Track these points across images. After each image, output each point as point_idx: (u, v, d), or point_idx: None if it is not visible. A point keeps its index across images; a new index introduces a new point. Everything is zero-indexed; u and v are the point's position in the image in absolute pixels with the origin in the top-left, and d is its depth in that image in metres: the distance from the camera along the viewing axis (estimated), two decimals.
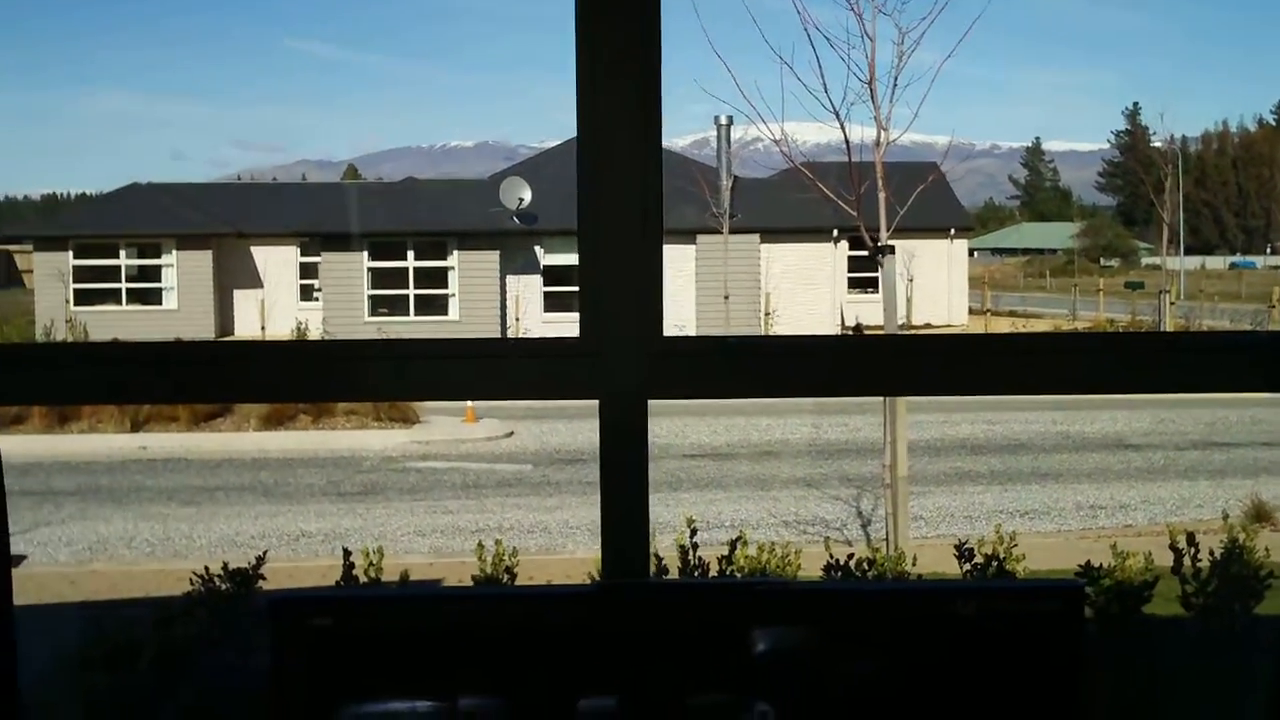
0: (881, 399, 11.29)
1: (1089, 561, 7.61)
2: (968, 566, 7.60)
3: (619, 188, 2.26)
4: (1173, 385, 2.43)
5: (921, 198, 14.79)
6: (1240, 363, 2.38)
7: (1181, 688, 7.08)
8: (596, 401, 2.27)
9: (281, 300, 32.79)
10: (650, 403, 2.29)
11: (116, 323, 30.72)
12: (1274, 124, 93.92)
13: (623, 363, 2.25)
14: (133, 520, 13.64)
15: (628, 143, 2.25)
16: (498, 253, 31.95)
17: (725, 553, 7.70)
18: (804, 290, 32.44)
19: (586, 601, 1.96)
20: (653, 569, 7.45)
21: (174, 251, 33.56)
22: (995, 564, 7.75)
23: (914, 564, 8.57)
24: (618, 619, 1.94)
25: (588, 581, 2.09)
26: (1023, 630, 1.93)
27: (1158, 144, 49.57)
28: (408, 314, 32.09)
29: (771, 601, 1.95)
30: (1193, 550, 7.65)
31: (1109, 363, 2.40)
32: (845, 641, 1.95)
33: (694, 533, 7.57)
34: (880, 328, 12.42)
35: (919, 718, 1.94)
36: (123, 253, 33.72)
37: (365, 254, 32.15)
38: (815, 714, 1.94)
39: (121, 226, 33.48)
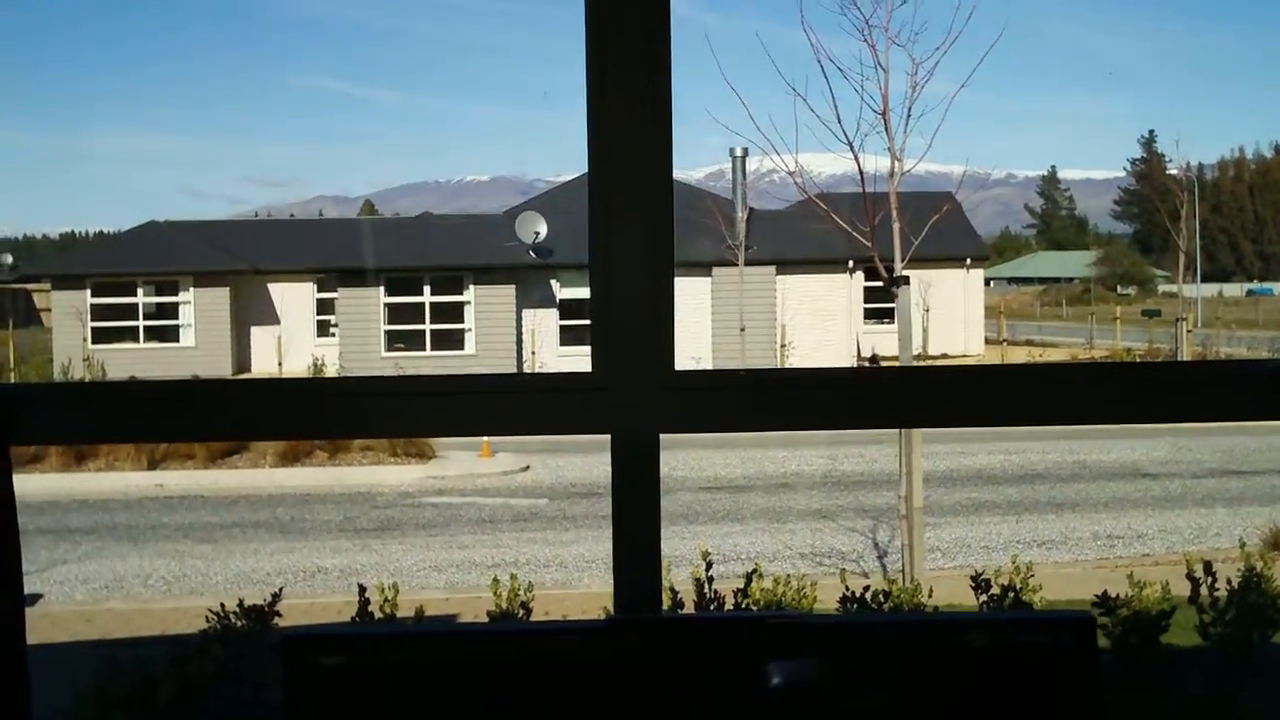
0: (897, 430, 11.27)
1: (1106, 591, 7.58)
2: (984, 597, 7.58)
3: (630, 222, 2.26)
4: (1190, 415, 2.43)
5: (936, 227, 14.81)
6: (1256, 391, 2.38)
7: (1196, 718, 7.05)
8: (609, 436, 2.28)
9: (298, 336, 32.84)
10: (665, 436, 2.30)
11: (134, 360, 30.81)
12: None
13: (634, 398, 2.25)
14: (149, 558, 13.66)
15: (638, 176, 2.26)
16: (514, 287, 31.99)
17: (741, 585, 7.68)
18: (820, 321, 32.42)
19: (598, 637, 1.96)
20: (668, 602, 7.45)
21: (191, 289, 33.66)
22: (1012, 595, 7.72)
23: (930, 595, 8.54)
24: (629, 654, 1.94)
25: (602, 616, 2.10)
26: (1035, 662, 1.92)
27: (1173, 171, 49.62)
28: (424, 349, 32.12)
29: (782, 635, 1.95)
30: (1210, 579, 7.62)
31: (1124, 393, 2.40)
32: (857, 675, 1.94)
33: (709, 565, 7.56)
34: (896, 358, 12.41)
35: None
36: (140, 290, 33.82)
37: (381, 289, 32.21)
38: None
39: (139, 265, 33.59)
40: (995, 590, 7.69)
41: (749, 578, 7.73)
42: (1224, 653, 7.48)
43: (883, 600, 7.50)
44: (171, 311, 33.94)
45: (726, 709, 1.94)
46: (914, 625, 2.16)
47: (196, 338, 33.54)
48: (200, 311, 33.63)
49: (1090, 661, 1.94)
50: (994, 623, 2.05)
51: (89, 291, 33.28)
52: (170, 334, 33.83)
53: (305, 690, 1.87)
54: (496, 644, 2.00)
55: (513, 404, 2.33)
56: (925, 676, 1.94)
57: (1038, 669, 1.93)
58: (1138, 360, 29.01)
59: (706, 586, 7.51)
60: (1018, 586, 7.89)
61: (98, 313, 33.26)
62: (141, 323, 33.81)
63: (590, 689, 1.93)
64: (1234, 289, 71.63)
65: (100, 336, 32.81)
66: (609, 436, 2.28)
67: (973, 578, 7.68)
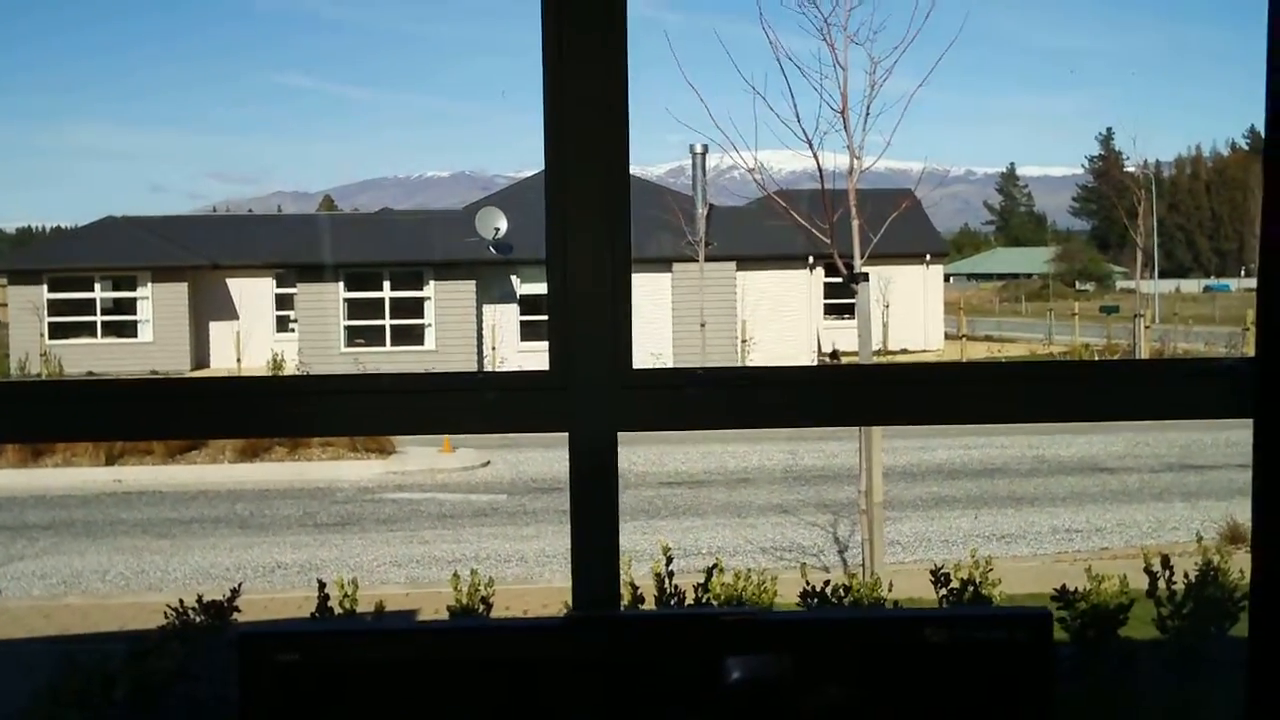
0: (858, 425, 11.31)
1: (1064, 585, 7.63)
2: (944, 591, 7.61)
3: (588, 219, 2.26)
4: (1149, 413, 2.45)
5: (896, 224, 14.84)
6: (1214, 389, 2.39)
7: (1154, 710, 7.10)
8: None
9: (257, 332, 32.70)
10: (623, 432, 2.30)
11: (92, 356, 30.65)
12: (1246, 148, 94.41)
13: (591, 396, 2.25)
14: (107, 553, 13.59)
15: (595, 174, 2.26)
16: (474, 283, 31.94)
17: (701, 580, 7.70)
18: (780, 317, 32.48)
19: (556, 634, 1.96)
20: (628, 597, 7.46)
21: (149, 284, 33.49)
22: (971, 589, 7.76)
23: (890, 590, 8.57)
24: (587, 651, 1.94)
25: (562, 612, 2.10)
26: (992, 657, 1.93)
27: (1131, 169, 49.82)
28: (384, 344, 32.04)
29: (740, 632, 1.95)
30: (1167, 573, 7.67)
31: (1082, 391, 2.42)
32: (815, 671, 1.95)
33: (670, 561, 7.57)
34: (856, 354, 12.44)
35: None
36: (98, 286, 33.63)
37: (341, 285, 32.11)
38: None
39: (96, 260, 33.40)
40: (955, 584, 7.73)
41: (709, 572, 7.75)
42: (1181, 645, 7.53)
43: (843, 595, 7.53)
44: (129, 307, 33.76)
45: (685, 706, 1.94)
46: (872, 622, 2.17)
47: (155, 333, 33.37)
48: (158, 307, 33.46)
49: (1046, 657, 1.95)
50: (952, 619, 2.05)
51: (45, 286, 33.07)
52: (128, 329, 33.65)
53: (262, 687, 1.87)
54: (454, 641, 1.99)
55: (470, 403, 2.32)
56: (883, 672, 1.94)
57: (995, 664, 1.93)
58: (1096, 356, 29.17)
59: (667, 581, 7.52)
60: (977, 580, 7.93)
61: (55, 308, 33.05)
62: (99, 318, 33.62)
63: (549, 686, 1.93)
64: (1191, 285, 72.10)
65: (57, 332, 32.61)
66: (567, 435, 2.28)
67: (932, 572, 7.72)
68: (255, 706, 1.87)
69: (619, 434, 2.28)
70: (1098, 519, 14.44)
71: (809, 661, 1.95)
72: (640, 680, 1.93)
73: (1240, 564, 8.11)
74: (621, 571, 2.37)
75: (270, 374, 24.39)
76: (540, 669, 1.93)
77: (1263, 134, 2.09)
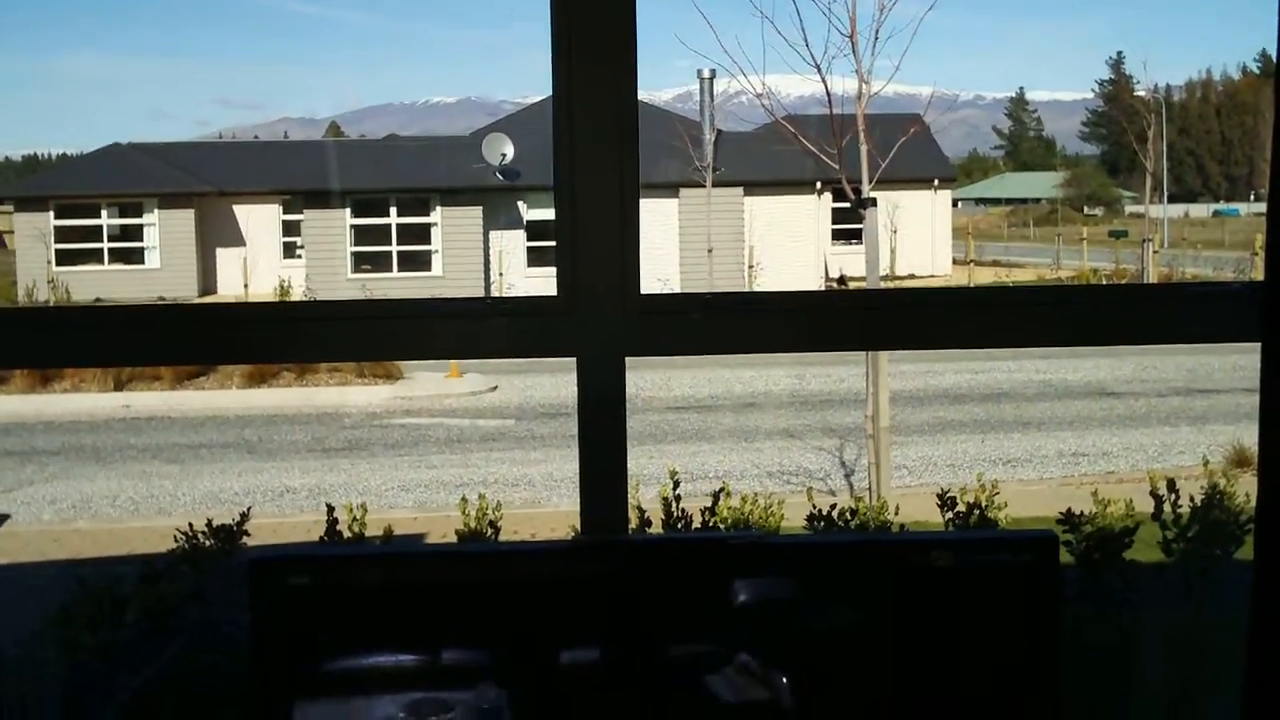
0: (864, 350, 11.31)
1: (1070, 509, 7.64)
2: (950, 515, 7.63)
3: (595, 145, 2.26)
4: (1158, 337, 2.45)
5: (904, 149, 14.80)
6: (1222, 313, 2.39)
7: (1157, 631, 7.14)
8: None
9: (264, 258, 32.66)
10: (631, 357, 2.31)
11: (99, 283, 30.64)
12: (1257, 72, 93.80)
13: (599, 321, 2.26)
14: (116, 479, 13.64)
15: (603, 98, 2.26)
16: (481, 209, 31.86)
17: (709, 504, 7.72)
18: (788, 242, 32.40)
19: (564, 558, 1.98)
20: (636, 521, 7.49)
21: (156, 211, 33.42)
22: (977, 512, 7.78)
23: (896, 513, 8.59)
24: (595, 575, 1.95)
25: (570, 535, 2.11)
26: (999, 580, 1.95)
27: (1141, 93, 49.59)
28: (391, 270, 32.01)
29: (746, 556, 1.97)
30: (1173, 496, 7.69)
31: (1091, 316, 2.42)
32: (821, 594, 1.96)
33: (677, 484, 7.59)
34: (864, 279, 12.42)
35: (897, 667, 1.96)
36: (104, 213, 33.57)
37: (348, 211, 32.06)
38: (795, 664, 1.96)
39: (103, 186, 33.31)
40: (961, 508, 7.75)
41: (716, 496, 7.76)
42: (1186, 568, 7.56)
43: (849, 518, 7.55)
44: (136, 234, 33.71)
45: (692, 629, 1.96)
46: (878, 545, 2.18)
47: (161, 260, 33.33)
48: (165, 233, 33.40)
49: (1053, 579, 1.96)
50: (958, 542, 2.07)
51: (52, 214, 33.00)
52: (135, 256, 33.61)
53: (273, 610, 1.89)
54: (463, 565, 2.01)
55: (479, 328, 2.33)
56: (890, 595, 1.96)
57: (1002, 587, 1.95)
58: (1104, 280, 29.12)
59: (674, 505, 7.54)
60: (983, 504, 7.95)
61: (61, 235, 33.00)
62: (106, 245, 33.57)
63: (556, 609, 1.94)
64: (1200, 210, 71.81)
65: (64, 258, 32.57)
66: (575, 359, 2.29)
67: (939, 495, 7.73)
68: (267, 629, 1.89)
69: (627, 359, 2.29)
70: (1104, 443, 14.46)
71: (815, 585, 1.97)
72: (648, 604, 1.95)
73: (1246, 487, 8.12)
74: (629, 495, 2.38)
75: (278, 300, 24.41)
76: (548, 592, 1.95)
77: (1274, 58, 2.08)
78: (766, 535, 2.44)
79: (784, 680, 1.95)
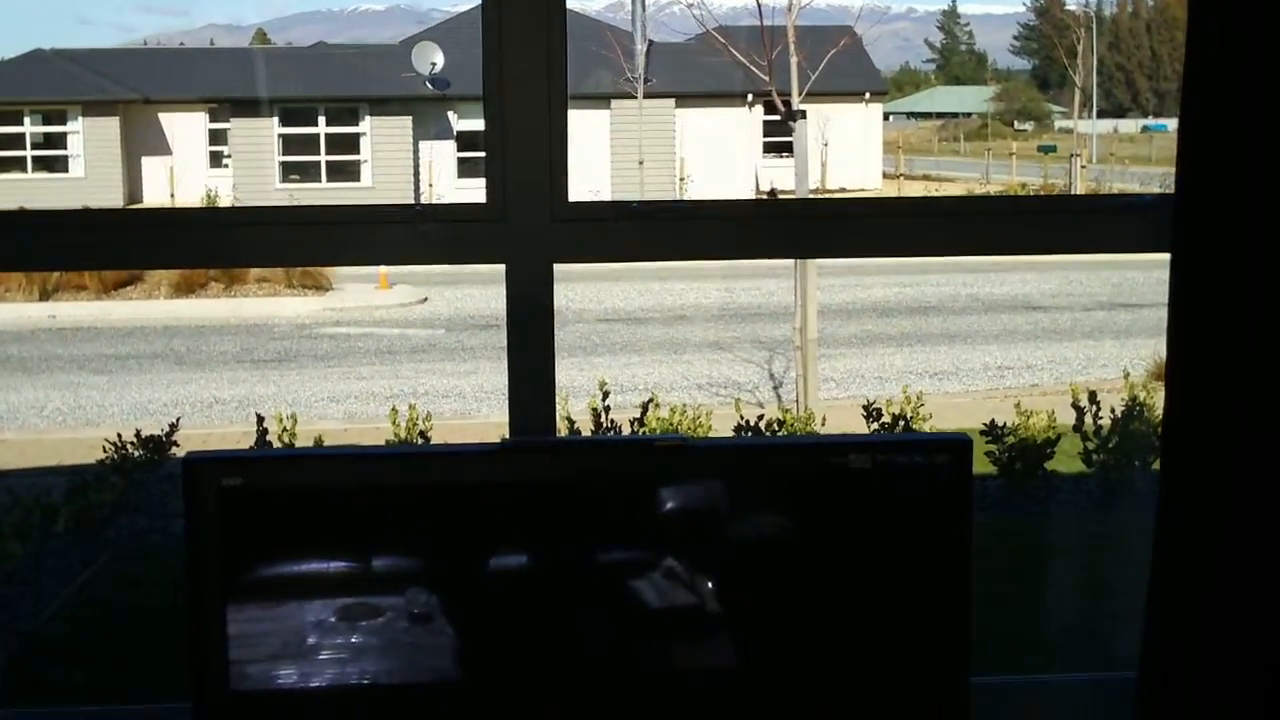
0: (793, 263, 11.37)
1: (993, 420, 7.77)
2: (875, 426, 7.74)
3: (524, 52, 2.28)
4: (1067, 247, 2.51)
5: (835, 62, 14.79)
6: (1131, 224, 2.45)
7: (1076, 538, 7.29)
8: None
9: (191, 167, 32.27)
10: (562, 267, 2.34)
11: (22, 190, 30.19)
12: None
13: (528, 226, 2.29)
14: (43, 389, 13.54)
15: (531, 6, 2.27)
16: (410, 119, 31.60)
17: (638, 415, 7.80)
18: (719, 155, 32.36)
19: (492, 459, 2.02)
20: (565, 432, 7.55)
21: (80, 118, 32.93)
22: (902, 424, 7.90)
23: (823, 424, 8.70)
24: (523, 475, 2.00)
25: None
26: (914, 481, 2.01)
27: (1072, 7, 49.68)
28: (320, 180, 31.73)
29: (671, 456, 2.01)
30: (1094, 409, 7.84)
31: (1006, 225, 2.47)
32: (741, 494, 2.02)
33: (606, 395, 7.67)
34: (794, 192, 12.46)
35: (817, 566, 2.02)
36: (27, 120, 33.05)
37: (276, 120, 31.71)
38: (718, 564, 2.02)
39: (25, 93, 32.76)
40: (886, 419, 7.87)
41: (645, 407, 7.85)
42: (1106, 478, 7.72)
43: (777, 429, 7.65)
44: (60, 141, 33.22)
45: (618, 530, 2.01)
46: (797, 447, 2.24)
47: (86, 168, 32.88)
48: (89, 141, 32.92)
49: (966, 481, 2.03)
50: (875, 444, 2.13)
51: None
52: (59, 164, 33.14)
53: (207, 510, 1.92)
54: (394, 466, 2.05)
55: (408, 235, 2.36)
56: (810, 495, 2.02)
57: (918, 487, 2.01)
58: (1031, 194, 29.26)
59: (603, 416, 7.62)
60: (908, 415, 8.07)
61: None
62: (29, 153, 33.07)
63: (484, 511, 1.99)
64: (1129, 125, 71.97)
65: None
66: (504, 267, 2.32)
67: (864, 407, 7.85)
68: (201, 528, 1.93)
69: (555, 266, 2.33)
70: (1029, 356, 14.61)
71: (737, 485, 2.02)
72: (574, 504, 1.99)
73: None
74: (558, 407, 2.42)
75: (207, 206, 24.18)
76: (477, 494, 1.99)
77: None
78: (690, 438, 2.49)
79: (708, 579, 2.01)
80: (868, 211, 2.53)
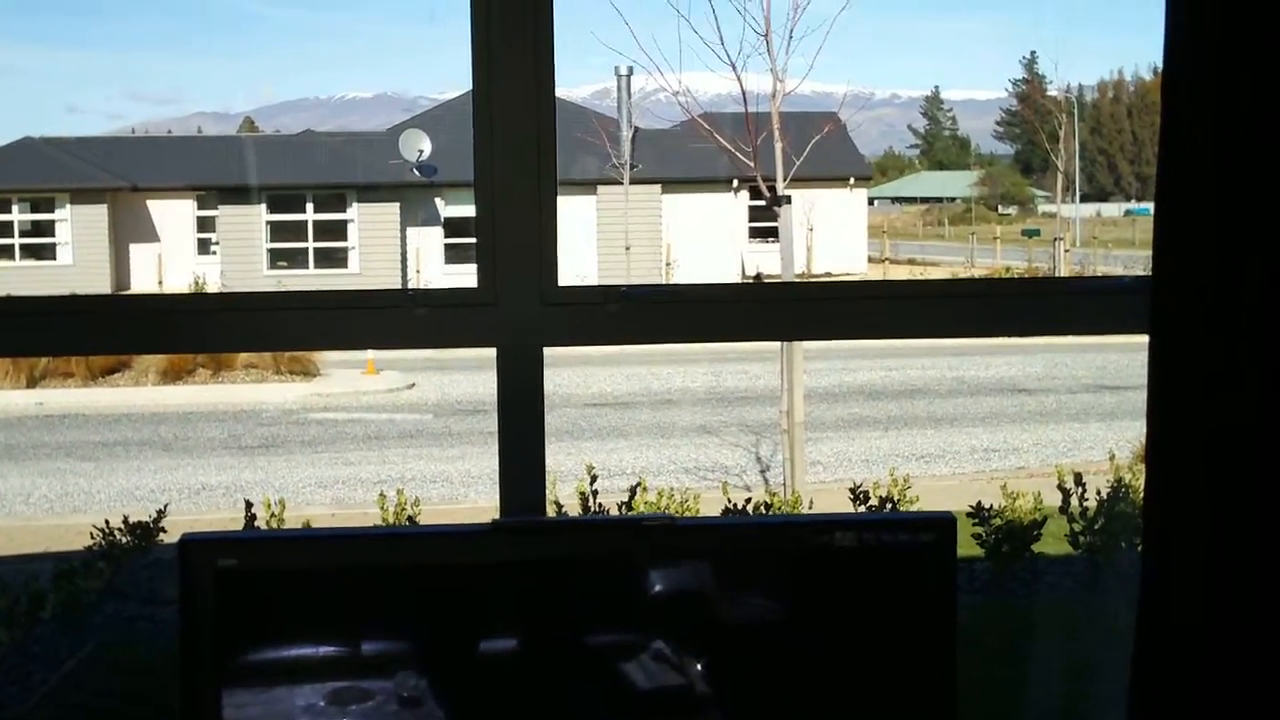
0: (779, 347, 11.42)
1: (980, 502, 7.80)
2: (863, 508, 7.76)
3: (514, 139, 2.33)
4: (1048, 328, 2.55)
5: (820, 147, 14.92)
6: (1109, 305, 2.50)
7: (1063, 619, 7.29)
8: (494, 350, 2.35)
9: (179, 254, 32.37)
10: (551, 352, 2.38)
11: (11, 278, 30.22)
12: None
13: (519, 311, 2.33)
14: (30, 476, 13.52)
15: (522, 94, 2.32)
16: (398, 205, 31.73)
17: (625, 499, 7.81)
18: (705, 240, 32.49)
19: (482, 539, 2.04)
20: (553, 515, 7.55)
21: (68, 206, 33.02)
22: (890, 506, 7.92)
23: (811, 507, 8.70)
24: (512, 555, 2.02)
25: None
26: (899, 559, 2.04)
27: (1054, 93, 50.05)
28: (307, 267, 31.81)
29: (659, 535, 2.04)
30: (1080, 490, 7.87)
31: (988, 306, 2.52)
32: (729, 572, 2.04)
33: (594, 479, 7.69)
34: (780, 276, 12.53)
35: (803, 643, 2.05)
36: (15, 208, 33.14)
37: (263, 207, 31.84)
38: (705, 642, 2.04)
39: (14, 181, 32.87)
40: (874, 501, 7.89)
41: (633, 491, 7.86)
42: (1092, 560, 7.74)
43: (764, 511, 7.66)
44: (48, 229, 33.29)
45: (607, 607, 2.03)
46: (784, 526, 2.26)
47: (74, 255, 32.94)
48: (78, 229, 33.00)
49: (950, 558, 2.05)
50: (860, 522, 2.16)
51: None
52: (47, 251, 33.19)
53: (202, 590, 1.94)
54: (387, 546, 2.07)
55: (400, 319, 2.39)
56: (796, 573, 2.04)
57: (903, 566, 2.04)
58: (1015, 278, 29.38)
59: (591, 500, 7.64)
60: (895, 498, 8.09)
61: None
62: (17, 240, 33.13)
63: (475, 589, 2.01)
64: (1112, 209, 72.39)
65: None
66: (494, 351, 2.36)
67: (851, 490, 7.87)
68: (195, 609, 1.95)
69: (545, 349, 2.36)
70: (1015, 439, 14.65)
71: (724, 563, 2.05)
72: (564, 583, 2.02)
73: None
74: (547, 491, 2.45)
75: (198, 292, 24.20)
76: (468, 574, 2.01)
77: (1161, 65, 2.18)
78: (678, 517, 2.51)
79: (695, 658, 2.03)
80: (853, 294, 2.58)
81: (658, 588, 2.03)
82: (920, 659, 2.03)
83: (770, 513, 7.75)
